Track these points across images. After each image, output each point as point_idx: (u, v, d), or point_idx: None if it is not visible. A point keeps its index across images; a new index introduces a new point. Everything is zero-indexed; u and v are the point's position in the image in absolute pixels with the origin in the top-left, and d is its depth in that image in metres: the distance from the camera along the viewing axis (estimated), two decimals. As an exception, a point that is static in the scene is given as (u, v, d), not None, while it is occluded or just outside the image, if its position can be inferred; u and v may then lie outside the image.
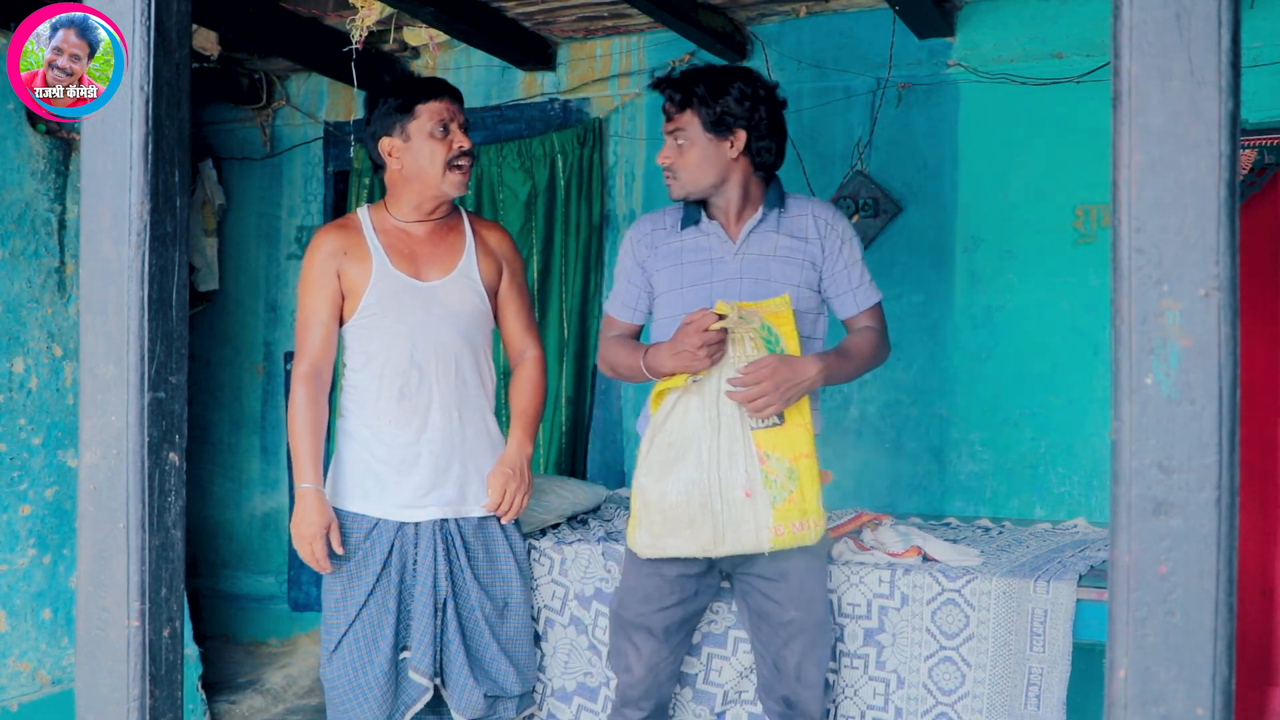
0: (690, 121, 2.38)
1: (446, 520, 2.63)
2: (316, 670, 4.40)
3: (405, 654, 2.62)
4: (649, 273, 2.54)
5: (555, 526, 3.09)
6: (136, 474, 1.30)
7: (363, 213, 2.67)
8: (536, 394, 2.75)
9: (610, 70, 4.09)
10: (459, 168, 2.58)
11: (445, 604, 2.61)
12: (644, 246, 2.55)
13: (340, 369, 2.73)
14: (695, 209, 2.49)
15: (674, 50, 3.95)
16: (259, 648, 4.60)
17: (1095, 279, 3.47)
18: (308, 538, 2.51)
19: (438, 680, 2.63)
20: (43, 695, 3.38)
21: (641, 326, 2.63)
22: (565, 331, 4.10)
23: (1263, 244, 3.38)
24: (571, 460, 4.10)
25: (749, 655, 2.69)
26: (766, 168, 2.46)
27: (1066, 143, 3.47)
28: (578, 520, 3.23)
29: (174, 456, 1.34)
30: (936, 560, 2.65)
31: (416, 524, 2.61)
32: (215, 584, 4.75)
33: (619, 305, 2.61)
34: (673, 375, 2.32)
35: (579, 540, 2.93)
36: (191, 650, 3.75)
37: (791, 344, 2.30)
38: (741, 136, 2.39)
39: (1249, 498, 3.34)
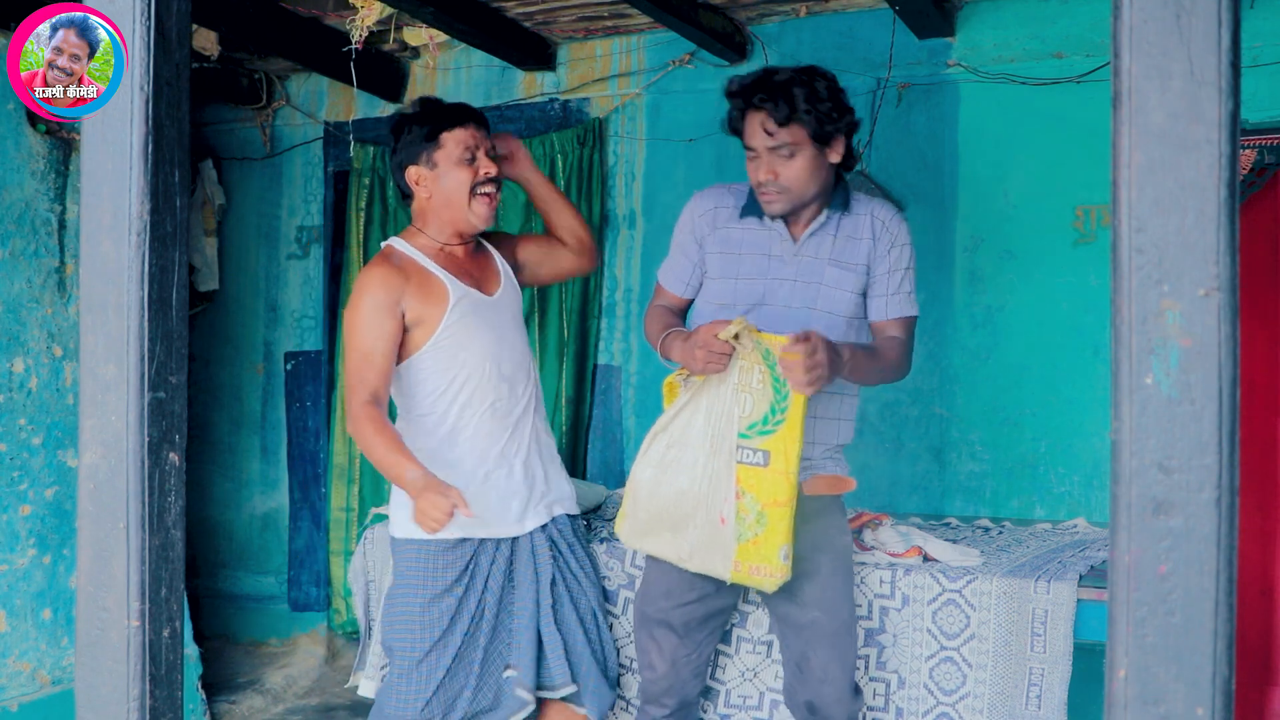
0: (797, 133, 2.26)
1: (547, 525, 2.64)
2: (316, 670, 4.40)
3: (510, 672, 2.56)
4: (705, 251, 2.47)
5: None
6: (136, 474, 1.30)
7: (401, 244, 2.59)
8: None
9: (610, 70, 4.09)
10: (486, 195, 2.55)
11: (549, 614, 2.57)
12: (705, 223, 2.46)
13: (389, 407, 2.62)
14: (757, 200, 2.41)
15: (674, 50, 3.95)
16: (259, 648, 4.60)
17: (1095, 279, 3.47)
18: (438, 510, 2.26)
19: (557, 693, 2.60)
20: (43, 695, 3.38)
21: (689, 302, 2.56)
22: (565, 331, 4.10)
23: (1263, 244, 3.38)
24: (571, 460, 4.10)
25: (753, 656, 2.69)
26: (847, 168, 2.40)
27: (1066, 143, 3.47)
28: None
29: (174, 456, 1.34)
30: (937, 560, 2.65)
31: (514, 538, 2.59)
32: (215, 584, 4.75)
33: (671, 277, 2.54)
34: (681, 368, 2.31)
35: (579, 540, 2.93)
36: (191, 650, 3.75)
37: (798, 396, 2.21)
38: (841, 142, 2.32)
39: (1249, 498, 3.34)
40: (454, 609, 2.51)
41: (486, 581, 2.54)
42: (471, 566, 2.53)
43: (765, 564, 2.23)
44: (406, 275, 2.51)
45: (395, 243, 2.61)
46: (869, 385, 2.44)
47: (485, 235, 2.76)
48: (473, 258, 2.66)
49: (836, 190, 2.40)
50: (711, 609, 2.48)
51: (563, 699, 2.63)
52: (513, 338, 2.63)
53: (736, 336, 2.20)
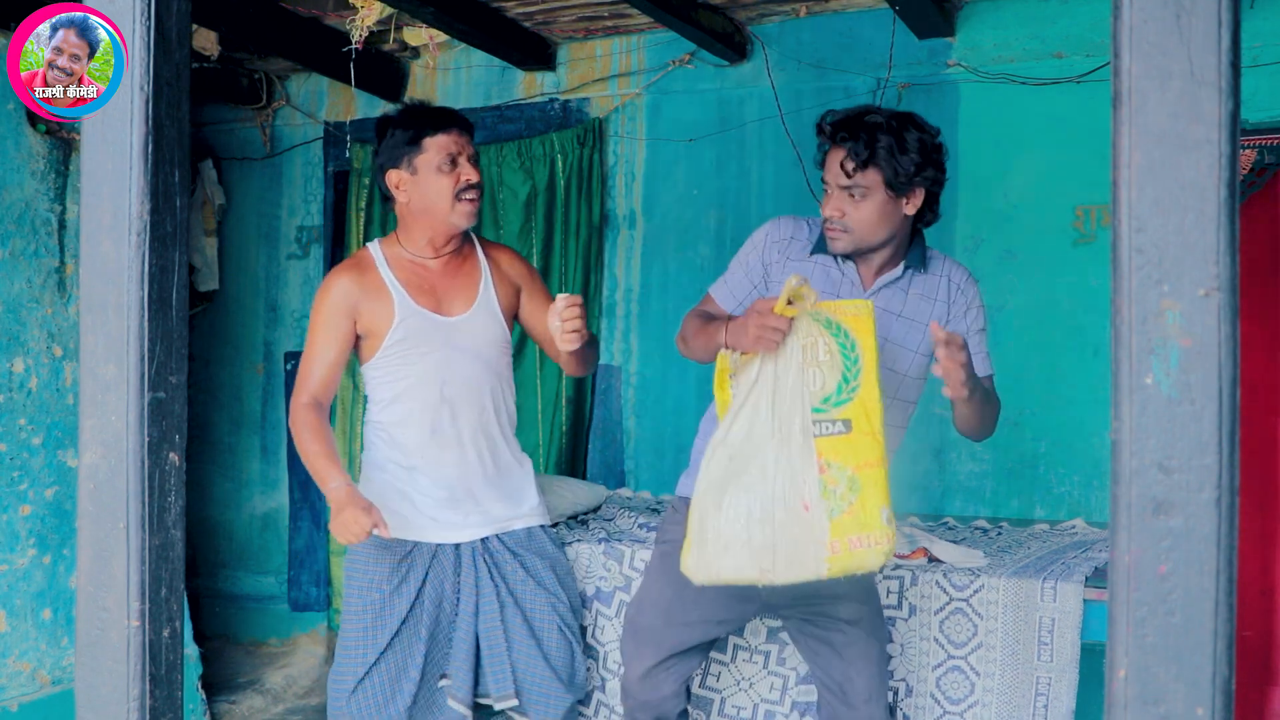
0: (871, 177, 2.20)
1: (488, 539, 2.60)
2: (316, 670, 4.40)
3: (444, 681, 2.58)
4: (769, 278, 2.38)
5: (554, 526, 3.09)
6: (136, 474, 1.30)
7: (375, 249, 2.61)
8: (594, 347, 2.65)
9: (610, 70, 4.09)
10: (468, 200, 2.53)
11: (496, 624, 2.56)
12: (776, 251, 2.37)
13: (356, 405, 2.65)
14: None
15: (674, 50, 3.95)
16: (259, 648, 4.60)
17: (1095, 279, 3.47)
18: (359, 526, 2.35)
19: (496, 704, 2.59)
20: (43, 695, 3.37)
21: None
22: (565, 331, 4.10)
23: (1263, 244, 3.38)
24: (571, 460, 4.10)
25: (750, 665, 2.68)
26: (927, 223, 2.33)
27: (1066, 143, 3.47)
28: (578, 520, 3.23)
29: (174, 456, 1.34)
30: (942, 561, 2.65)
31: (457, 545, 2.57)
32: (215, 584, 4.75)
33: (724, 292, 2.41)
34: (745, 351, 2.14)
35: (579, 540, 2.93)
36: (191, 650, 3.75)
37: (869, 353, 2.10)
38: (919, 195, 2.25)
39: (1249, 498, 3.34)
40: (380, 604, 2.52)
41: (423, 586, 2.54)
42: (406, 568, 2.54)
43: (867, 532, 2.04)
44: (364, 285, 2.54)
45: (371, 248, 2.63)
46: (970, 423, 2.29)
47: (501, 251, 2.72)
48: (450, 273, 2.61)
49: (914, 246, 2.34)
50: (706, 635, 2.40)
51: (511, 710, 2.63)
52: (467, 362, 2.57)
53: (791, 304, 2.05)
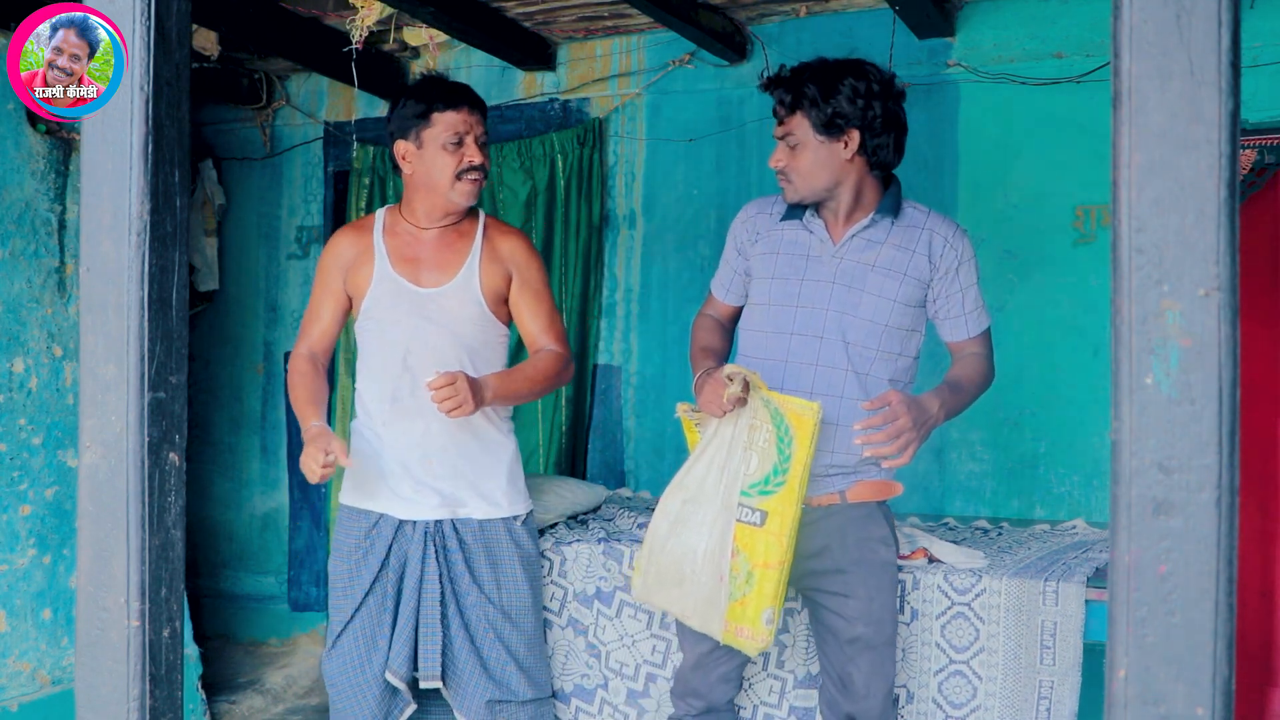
0: (800, 124, 2.26)
1: (442, 521, 2.59)
2: (316, 670, 4.40)
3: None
4: (747, 257, 2.46)
5: (554, 526, 3.09)
6: (136, 474, 1.30)
7: (380, 214, 2.68)
8: (539, 365, 2.61)
9: (610, 70, 4.09)
10: (470, 180, 2.55)
11: (445, 605, 2.57)
12: (746, 231, 2.46)
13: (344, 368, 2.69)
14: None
15: (674, 50, 3.95)
16: (259, 648, 4.60)
17: (1095, 279, 3.46)
18: (313, 461, 2.40)
19: (422, 682, 2.58)
20: (43, 695, 3.37)
21: (738, 309, 2.53)
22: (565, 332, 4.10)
23: (1263, 244, 3.38)
24: (571, 460, 4.10)
25: (751, 666, 2.67)
26: (883, 166, 2.32)
27: (1066, 143, 3.47)
28: (577, 520, 3.23)
29: (174, 456, 1.34)
30: (942, 562, 2.65)
31: (413, 522, 2.59)
32: (215, 584, 4.75)
33: (717, 284, 2.55)
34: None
35: (579, 540, 2.93)
36: (191, 650, 3.75)
37: (802, 454, 2.17)
38: (855, 137, 2.26)
39: (1249, 498, 3.34)
40: (350, 573, 2.59)
41: (388, 556, 2.57)
42: (371, 539, 2.58)
43: (749, 626, 2.19)
44: (358, 246, 2.63)
45: (379, 212, 2.70)
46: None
47: (505, 234, 2.70)
48: (440, 245, 2.62)
49: (887, 195, 2.35)
50: None
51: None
52: (436, 334, 2.56)
53: (747, 387, 2.19)
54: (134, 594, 1.29)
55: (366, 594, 2.58)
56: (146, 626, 1.29)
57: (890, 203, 2.33)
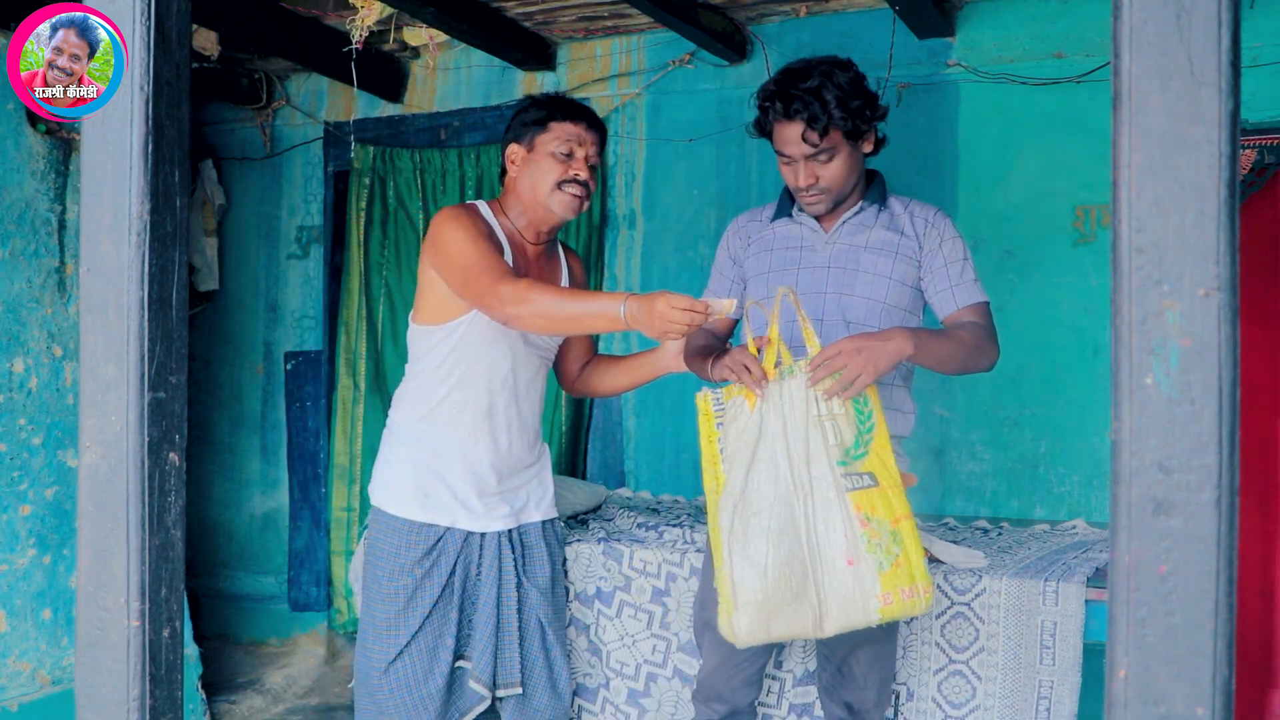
0: (835, 138, 2.27)
1: (511, 530, 2.61)
2: (317, 670, 4.40)
3: (462, 663, 2.58)
4: (742, 263, 2.49)
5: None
6: (136, 474, 1.30)
7: (485, 210, 2.57)
8: None
9: (610, 70, 4.09)
10: (570, 193, 2.50)
11: (513, 613, 2.58)
12: (739, 239, 2.51)
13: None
14: (787, 201, 2.44)
15: (674, 50, 3.95)
16: (259, 648, 4.60)
17: (1095, 279, 3.46)
18: (682, 314, 2.11)
19: (499, 691, 2.59)
20: (43, 695, 3.37)
21: (732, 322, 2.54)
22: (565, 331, 4.10)
23: (1263, 244, 3.38)
24: (571, 460, 4.10)
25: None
26: (874, 153, 2.39)
27: (1066, 143, 3.47)
28: (578, 520, 3.23)
29: (174, 456, 1.34)
30: (943, 561, 2.65)
31: (482, 534, 2.57)
32: (215, 584, 4.75)
33: (709, 296, 2.56)
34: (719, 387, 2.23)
35: (579, 540, 2.93)
36: (191, 650, 3.75)
37: (877, 405, 2.13)
38: (874, 133, 2.34)
39: (1249, 498, 3.34)
40: (412, 588, 2.51)
41: (453, 570, 2.53)
42: (438, 553, 2.52)
43: (915, 582, 2.05)
44: (491, 233, 2.50)
45: (480, 205, 2.58)
46: (953, 371, 2.32)
47: (574, 257, 2.73)
48: (542, 263, 2.60)
49: (873, 184, 2.42)
50: None
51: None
52: (533, 353, 2.59)
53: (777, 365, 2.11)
54: (134, 594, 1.29)
55: (432, 608, 2.52)
56: (146, 626, 1.29)
57: (877, 191, 2.41)
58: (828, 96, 2.23)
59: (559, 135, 2.50)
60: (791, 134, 2.27)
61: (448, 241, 2.41)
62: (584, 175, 2.51)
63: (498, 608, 2.56)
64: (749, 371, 2.13)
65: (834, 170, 2.29)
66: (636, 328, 2.17)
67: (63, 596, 3.46)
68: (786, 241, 2.42)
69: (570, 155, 2.50)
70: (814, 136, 2.24)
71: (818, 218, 2.40)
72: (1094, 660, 2.46)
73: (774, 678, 2.68)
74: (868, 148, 2.34)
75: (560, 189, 2.50)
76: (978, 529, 3.26)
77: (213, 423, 4.78)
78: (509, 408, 2.56)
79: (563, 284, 2.64)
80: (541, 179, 2.50)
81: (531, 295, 2.25)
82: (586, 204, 2.55)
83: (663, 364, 2.66)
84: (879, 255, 2.36)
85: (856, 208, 2.39)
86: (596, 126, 2.56)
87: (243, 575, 4.74)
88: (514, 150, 2.55)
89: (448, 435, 2.53)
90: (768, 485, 2.08)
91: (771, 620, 2.05)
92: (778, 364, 2.15)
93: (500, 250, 2.47)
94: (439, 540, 2.53)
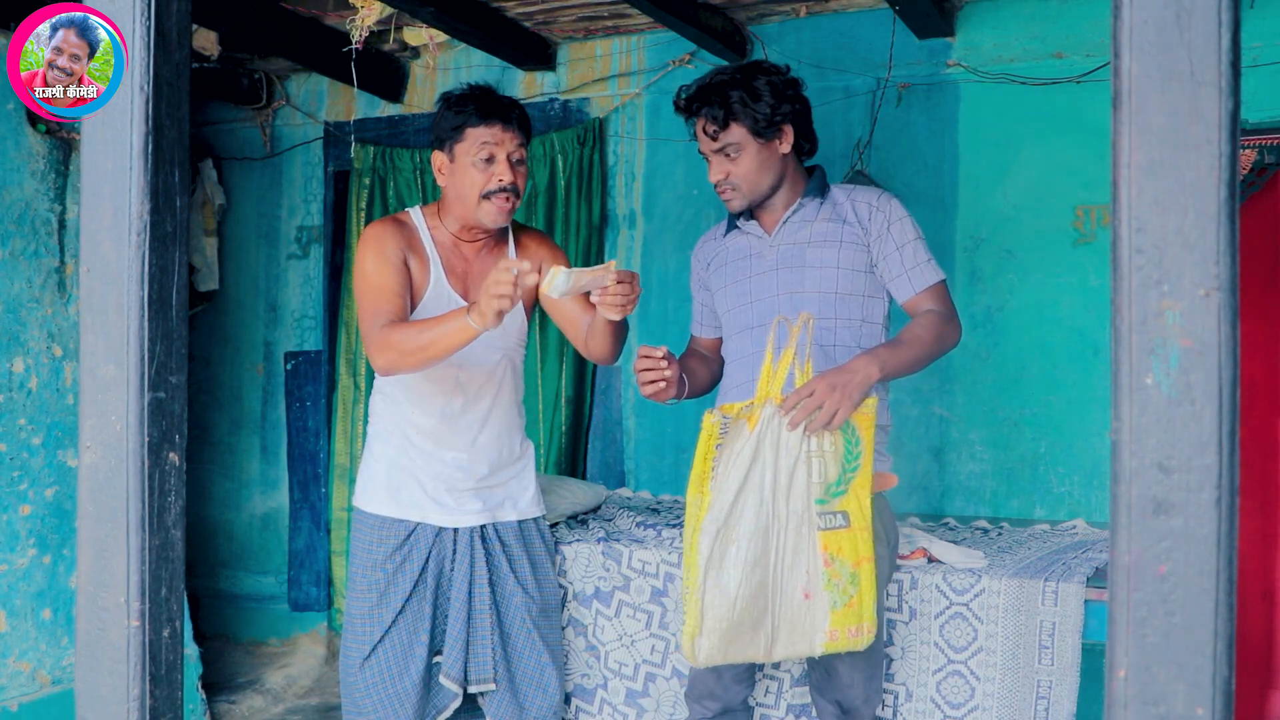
0: (737, 132, 2.33)
1: (485, 525, 2.60)
2: (317, 670, 4.40)
3: (438, 659, 2.58)
4: (708, 285, 2.57)
5: (554, 526, 3.09)
6: (136, 474, 1.30)
7: (417, 216, 2.56)
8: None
9: (610, 70, 4.09)
10: (498, 201, 2.44)
11: (485, 610, 2.56)
12: (699, 263, 2.59)
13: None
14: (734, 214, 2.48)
15: (674, 50, 3.95)
16: (259, 648, 4.60)
17: (1095, 279, 3.47)
18: (501, 281, 2.10)
19: (470, 687, 2.58)
20: (43, 695, 3.37)
21: (717, 340, 2.61)
22: (565, 331, 4.10)
23: (1263, 244, 3.38)
24: (571, 460, 4.10)
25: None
26: (806, 154, 2.44)
27: (1066, 143, 3.47)
28: (577, 520, 3.23)
29: (174, 456, 1.33)
30: (942, 562, 2.65)
31: (455, 529, 2.57)
32: (215, 584, 4.75)
33: (693, 323, 2.68)
34: (723, 405, 2.25)
35: (578, 540, 2.93)
36: (191, 650, 3.75)
37: (868, 449, 2.18)
38: (789, 132, 2.37)
39: (1249, 498, 3.34)
40: (384, 583, 2.52)
41: (426, 564, 2.53)
42: (409, 548, 2.53)
43: (862, 622, 2.17)
44: (410, 243, 2.48)
45: (412, 214, 2.56)
46: (924, 367, 2.35)
47: (530, 235, 2.69)
48: (483, 259, 2.57)
49: (812, 179, 2.45)
50: None
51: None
52: (487, 351, 2.52)
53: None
54: (134, 594, 1.29)
55: (404, 604, 2.53)
56: (146, 626, 1.29)
57: (815, 185, 2.44)
58: (731, 94, 2.31)
59: (475, 141, 2.42)
60: (699, 130, 2.39)
61: (355, 276, 2.47)
62: (508, 179, 2.43)
63: (469, 603, 2.55)
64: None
65: (744, 167, 2.35)
66: (483, 322, 2.15)
67: (63, 596, 3.46)
68: (737, 253, 2.48)
69: (491, 159, 2.42)
70: (713, 129, 2.34)
71: (760, 223, 2.45)
72: (1093, 660, 2.46)
73: (772, 678, 2.68)
74: (784, 147, 2.37)
75: (487, 199, 2.44)
76: (977, 529, 3.26)
77: (213, 423, 4.78)
78: (467, 410, 2.54)
79: None
80: (467, 190, 2.44)
81: (391, 339, 2.28)
82: (518, 202, 2.49)
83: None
84: (823, 247, 2.39)
85: (796, 205, 2.42)
86: (515, 121, 2.46)
87: (243, 575, 4.74)
88: (438, 158, 2.49)
89: (413, 436, 2.55)
90: (750, 514, 2.14)
91: (729, 645, 2.15)
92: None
93: (406, 276, 2.42)
94: (410, 535, 2.53)
